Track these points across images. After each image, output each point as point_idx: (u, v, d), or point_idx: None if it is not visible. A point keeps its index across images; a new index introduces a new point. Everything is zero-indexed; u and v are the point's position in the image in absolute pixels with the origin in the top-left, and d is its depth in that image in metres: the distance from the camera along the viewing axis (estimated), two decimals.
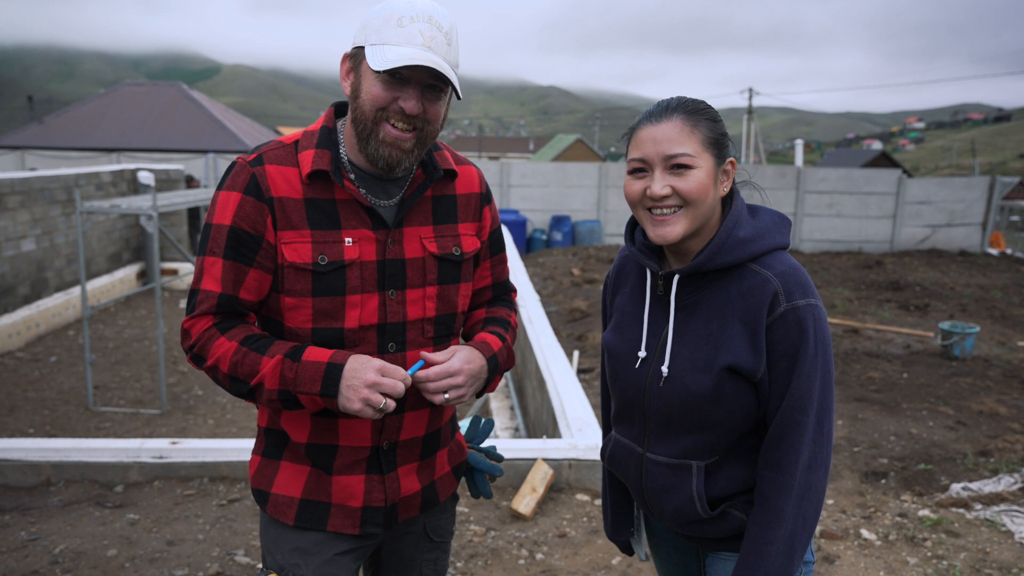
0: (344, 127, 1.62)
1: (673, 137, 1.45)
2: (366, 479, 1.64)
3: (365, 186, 1.59)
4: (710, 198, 1.48)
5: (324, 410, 1.56)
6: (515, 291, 1.94)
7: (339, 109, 1.67)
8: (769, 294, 1.45)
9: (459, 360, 1.57)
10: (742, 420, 1.50)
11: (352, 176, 1.58)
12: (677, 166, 1.46)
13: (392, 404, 1.46)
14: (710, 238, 1.52)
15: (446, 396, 1.54)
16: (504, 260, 1.87)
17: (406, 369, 1.57)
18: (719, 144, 1.50)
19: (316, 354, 1.50)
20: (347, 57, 1.57)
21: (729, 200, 1.57)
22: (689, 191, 1.46)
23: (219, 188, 1.57)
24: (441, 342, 1.68)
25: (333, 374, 1.47)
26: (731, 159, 1.53)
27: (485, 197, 1.76)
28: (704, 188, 1.46)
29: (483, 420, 1.91)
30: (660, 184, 1.46)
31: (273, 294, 1.57)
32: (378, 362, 1.48)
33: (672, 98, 1.52)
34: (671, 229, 1.48)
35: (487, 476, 1.85)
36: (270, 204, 1.53)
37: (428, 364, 1.55)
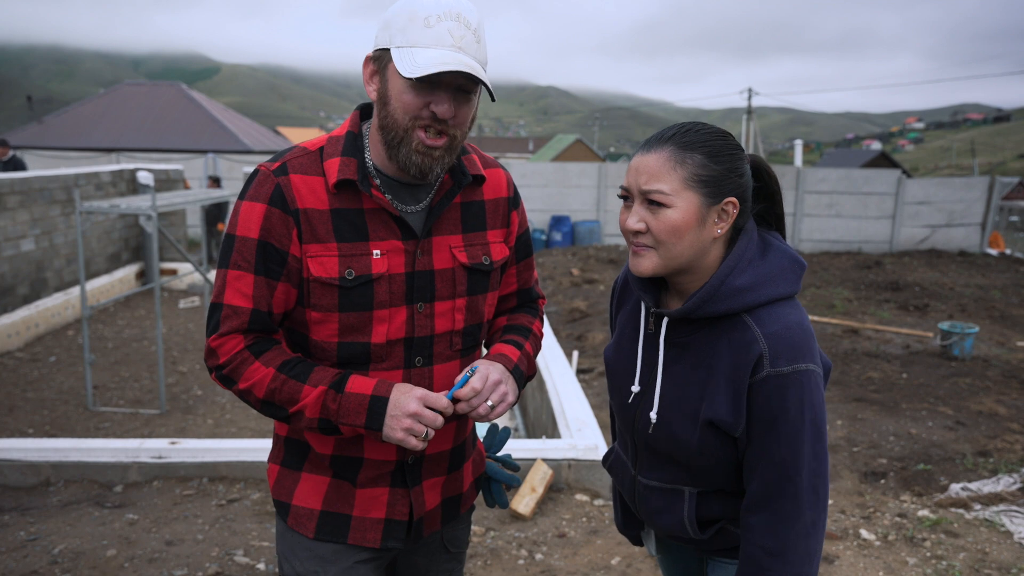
0: (370, 131, 1.55)
1: (653, 171, 1.37)
2: (390, 492, 1.61)
3: (392, 192, 1.53)
4: (685, 240, 1.38)
5: None
6: (542, 298, 1.86)
7: (364, 112, 1.59)
8: (754, 356, 1.36)
9: (487, 369, 1.51)
10: (730, 468, 1.46)
11: (378, 182, 1.52)
12: (652, 202, 1.38)
13: (432, 434, 1.44)
14: (706, 279, 1.43)
15: (489, 404, 1.49)
16: (531, 266, 1.79)
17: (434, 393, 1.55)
18: (713, 182, 1.37)
19: (359, 385, 1.47)
20: (370, 60, 1.49)
21: (736, 239, 1.45)
22: (657, 231, 1.38)
23: (241, 197, 1.50)
24: (468, 354, 1.64)
25: (377, 407, 1.44)
26: (731, 199, 1.39)
27: (512, 201, 1.70)
28: (675, 230, 1.37)
29: (499, 428, 1.86)
30: (635, 218, 1.40)
31: (299, 307, 1.52)
32: (420, 391, 1.45)
33: (676, 125, 1.42)
34: (639, 263, 1.42)
35: (503, 486, 1.83)
36: (295, 216, 1.46)
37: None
